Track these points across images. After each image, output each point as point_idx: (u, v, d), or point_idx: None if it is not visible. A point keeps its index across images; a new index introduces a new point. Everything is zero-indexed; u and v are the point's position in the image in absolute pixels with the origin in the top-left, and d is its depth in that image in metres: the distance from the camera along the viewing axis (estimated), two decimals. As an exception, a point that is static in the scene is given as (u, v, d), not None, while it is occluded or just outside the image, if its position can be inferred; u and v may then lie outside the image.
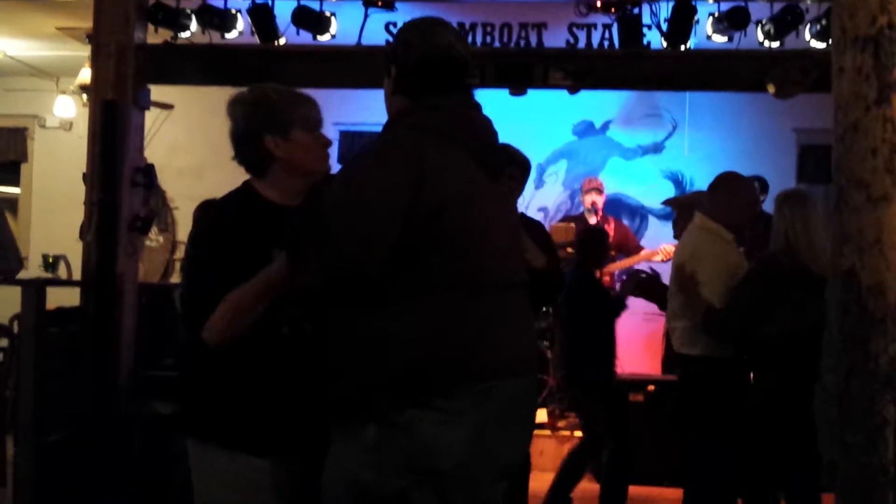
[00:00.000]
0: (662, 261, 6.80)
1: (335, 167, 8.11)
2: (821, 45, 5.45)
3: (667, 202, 6.06)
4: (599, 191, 7.07)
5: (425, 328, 1.98)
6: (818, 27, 5.51)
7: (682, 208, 5.12)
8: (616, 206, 7.94)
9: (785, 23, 5.56)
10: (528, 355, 2.17)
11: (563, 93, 6.30)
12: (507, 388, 2.06)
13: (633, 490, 5.69)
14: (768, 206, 6.55)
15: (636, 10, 5.60)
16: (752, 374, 3.87)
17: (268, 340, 2.15)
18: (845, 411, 2.17)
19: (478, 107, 2.22)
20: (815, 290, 3.38)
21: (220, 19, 5.88)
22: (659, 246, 6.93)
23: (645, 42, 5.78)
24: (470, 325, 2.01)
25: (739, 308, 3.66)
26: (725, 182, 4.09)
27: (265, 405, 2.16)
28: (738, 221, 3.97)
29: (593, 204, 7.06)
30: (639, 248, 6.95)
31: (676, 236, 5.35)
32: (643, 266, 6.34)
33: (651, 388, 6.02)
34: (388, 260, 1.96)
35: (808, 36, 5.65)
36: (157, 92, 6.37)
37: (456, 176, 2.06)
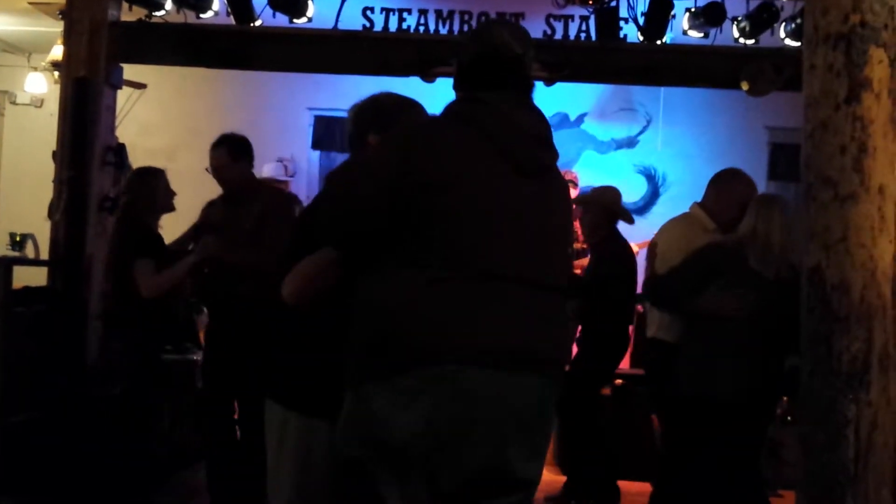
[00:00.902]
0: None
1: (313, 153, 8.02)
2: (795, 44, 5.47)
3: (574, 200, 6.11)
4: (574, 184, 7.06)
5: (393, 301, 2.01)
6: (793, 25, 5.53)
7: (586, 205, 5.20)
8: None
9: (760, 20, 5.58)
10: (526, 352, 2.04)
11: (539, 84, 6.28)
12: (480, 380, 1.98)
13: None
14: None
15: (613, 3, 5.59)
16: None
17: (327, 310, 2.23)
18: (807, 409, 2.17)
19: (527, 104, 2.21)
20: (752, 281, 3.49)
21: (196, -1, 5.81)
22: None
23: (621, 35, 5.78)
24: (439, 306, 1.99)
25: (672, 277, 3.79)
26: (722, 177, 4.26)
27: (319, 368, 2.26)
28: (725, 216, 4.07)
29: (567, 197, 7.05)
30: None
31: (583, 233, 5.41)
32: None
33: (619, 381, 6.03)
34: (376, 230, 2.05)
35: (782, 34, 5.67)
36: (131, 71, 6.29)
37: (459, 162, 2.07)
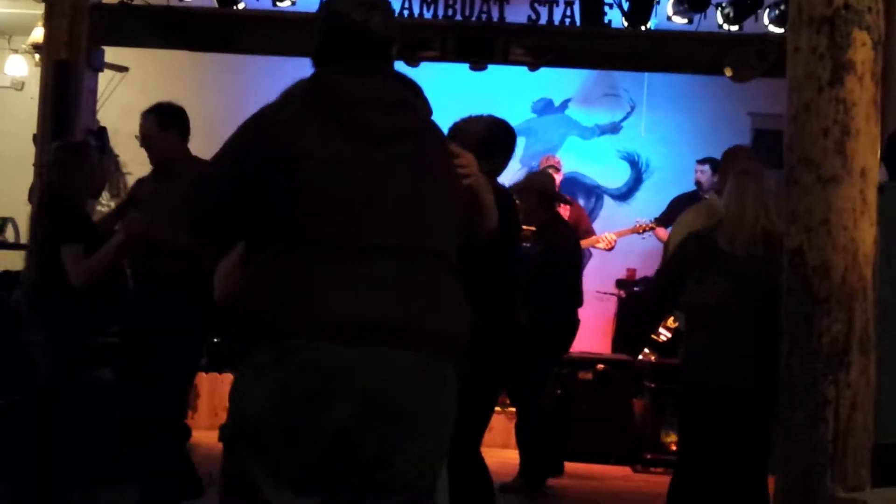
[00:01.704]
0: (606, 248, 6.80)
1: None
2: (779, 30, 5.47)
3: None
4: (557, 169, 7.06)
5: (249, 281, 2.09)
6: (777, 12, 5.54)
7: (520, 192, 5.17)
8: (572, 184, 7.94)
9: (744, 6, 5.58)
10: (377, 324, 1.96)
11: (524, 69, 6.28)
12: (325, 353, 1.94)
13: (581, 467, 5.75)
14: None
15: (598, -12, 5.59)
16: None
17: None
18: (787, 390, 2.18)
19: (376, 71, 2.16)
20: (723, 264, 3.45)
21: (178, -19, 5.76)
22: (603, 234, 6.91)
23: (606, 21, 5.77)
24: (283, 283, 2.01)
25: (658, 277, 3.77)
26: (722, 158, 4.13)
27: None
28: None
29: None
30: (590, 232, 6.93)
31: (523, 221, 5.40)
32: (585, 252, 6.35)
33: (601, 367, 6.05)
34: (223, 212, 2.13)
35: (766, 20, 5.68)
36: (112, 54, 6.23)
37: (299, 139, 2.09)
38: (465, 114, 3.49)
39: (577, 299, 5.32)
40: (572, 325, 5.25)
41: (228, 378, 6.05)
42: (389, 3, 2.32)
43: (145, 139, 4.07)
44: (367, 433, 1.97)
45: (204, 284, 4.40)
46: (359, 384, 1.95)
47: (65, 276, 3.78)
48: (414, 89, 2.19)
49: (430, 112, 2.20)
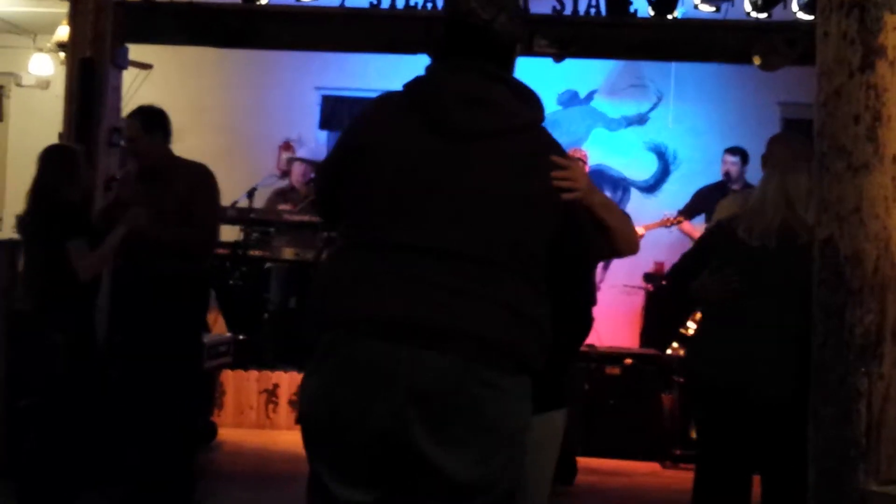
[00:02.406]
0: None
1: (319, 133, 7.93)
2: (808, 17, 5.40)
3: None
4: (583, 162, 7.03)
5: (317, 277, 2.26)
6: (806, -1, 5.46)
7: None
8: (598, 177, 7.89)
9: (772, -7, 5.51)
10: (417, 324, 1.96)
11: (549, 61, 6.24)
12: (369, 349, 1.97)
13: (609, 463, 5.72)
14: (750, 177, 6.55)
15: (623, -22, 5.54)
16: None
17: None
18: (819, 382, 2.15)
19: (480, 69, 2.12)
20: (739, 254, 3.40)
21: (201, -23, 5.78)
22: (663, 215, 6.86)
23: (631, 10, 5.73)
24: (340, 274, 2.07)
25: (674, 268, 3.72)
26: (767, 144, 3.98)
27: None
28: None
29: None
30: None
31: None
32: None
33: (628, 361, 6.02)
34: (331, 198, 2.21)
35: (795, 7, 5.60)
36: (136, 51, 6.27)
37: (380, 129, 2.11)
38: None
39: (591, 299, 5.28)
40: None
41: (254, 375, 6.08)
42: (517, 3, 2.34)
43: (130, 143, 4.18)
44: (409, 432, 1.96)
45: (202, 283, 4.49)
46: (397, 382, 1.95)
47: (72, 273, 3.91)
48: (520, 93, 2.13)
49: (533, 118, 2.14)
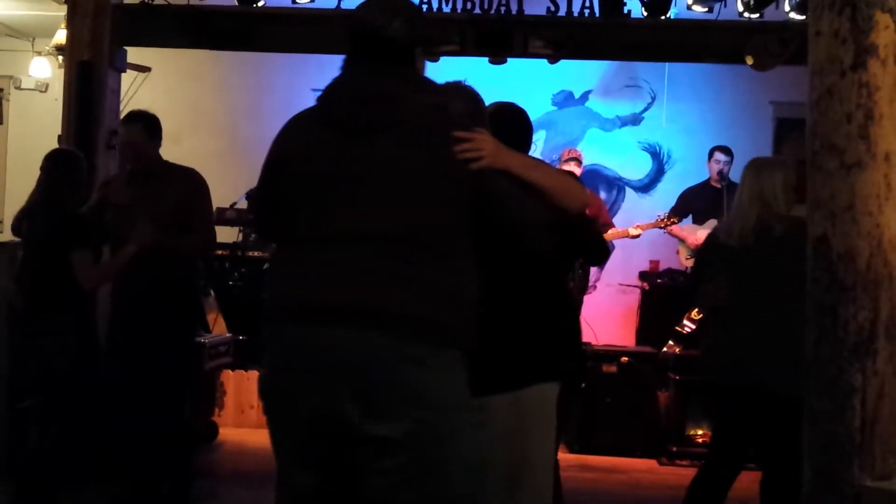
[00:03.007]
0: (633, 237, 6.73)
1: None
2: (800, 17, 5.41)
3: None
4: (578, 161, 7.03)
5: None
6: (798, -1, 5.47)
7: None
8: (593, 177, 7.90)
9: (765, -6, 5.52)
10: (337, 306, 2.07)
11: (544, 62, 6.24)
12: (295, 336, 2.11)
13: (606, 461, 5.72)
14: (734, 175, 6.55)
15: (617, -21, 5.54)
16: None
17: None
18: (813, 378, 2.15)
19: (377, 69, 2.22)
20: (723, 257, 3.45)
21: (198, -20, 5.78)
22: (627, 228, 6.81)
23: (625, 11, 5.73)
24: (273, 273, 2.32)
25: (687, 285, 3.78)
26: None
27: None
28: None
29: (572, 175, 6.99)
30: (609, 225, 6.86)
31: None
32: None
33: (625, 359, 6.02)
34: (271, 221, 2.33)
35: (787, 7, 5.62)
36: (135, 54, 6.26)
37: (292, 138, 2.27)
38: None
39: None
40: None
41: (254, 375, 6.07)
42: (417, 9, 2.43)
43: (130, 146, 4.15)
44: (343, 410, 2.05)
45: (196, 285, 4.49)
46: (326, 363, 2.06)
47: (71, 281, 3.91)
48: (415, 83, 2.23)
49: (431, 102, 2.21)
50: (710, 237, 3.73)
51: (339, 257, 2.11)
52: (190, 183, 4.16)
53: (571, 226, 2.63)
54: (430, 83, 2.30)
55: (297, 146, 2.24)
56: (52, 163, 4.14)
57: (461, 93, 2.67)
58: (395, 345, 2.05)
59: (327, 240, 2.14)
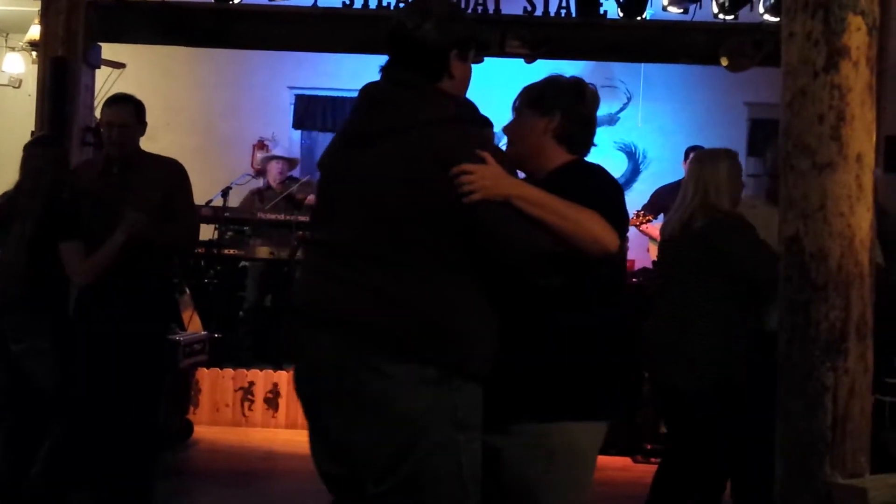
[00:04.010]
0: None
1: (293, 132, 7.83)
2: (774, 19, 5.45)
3: None
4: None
5: None
6: (772, 0, 5.51)
7: None
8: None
9: (739, -4, 5.56)
10: (311, 309, 2.19)
11: (520, 62, 6.25)
12: (299, 333, 2.21)
13: (603, 460, 5.72)
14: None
15: (593, -21, 5.56)
16: None
17: None
18: (785, 377, 2.16)
19: (396, 76, 2.24)
20: (659, 256, 3.53)
21: (174, -24, 5.74)
22: None
23: (601, 12, 5.75)
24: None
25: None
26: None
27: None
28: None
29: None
30: None
31: None
32: None
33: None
34: None
35: (761, 9, 5.66)
36: (109, 51, 6.21)
37: (325, 155, 2.37)
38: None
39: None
40: None
41: (229, 373, 6.04)
42: (451, 7, 2.39)
43: (120, 129, 3.85)
44: (320, 409, 2.19)
45: (171, 281, 4.31)
46: (308, 362, 2.21)
47: (61, 274, 3.68)
48: (425, 94, 2.20)
49: (435, 115, 2.15)
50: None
51: (320, 263, 2.22)
52: (174, 175, 3.96)
53: (587, 265, 2.26)
54: (441, 94, 2.22)
55: (324, 154, 2.37)
56: (39, 150, 3.84)
57: (469, 114, 2.37)
58: (358, 352, 2.10)
59: (318, 245, 2.27)
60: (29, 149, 3.88)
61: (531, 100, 2.46)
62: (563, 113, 2.43)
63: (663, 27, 5.88)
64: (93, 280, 3.72)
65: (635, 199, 7.85)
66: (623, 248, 2.33)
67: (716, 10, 5.72)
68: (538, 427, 2.30)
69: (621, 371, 2.42)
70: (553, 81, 2.52)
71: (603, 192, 2.33)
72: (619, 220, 2.27)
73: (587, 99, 2.49)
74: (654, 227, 6.89)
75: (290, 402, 6.00)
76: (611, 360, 2.37)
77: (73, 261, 3.68)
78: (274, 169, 7.18)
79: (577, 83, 2.50)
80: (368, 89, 2.26)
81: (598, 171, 2.45)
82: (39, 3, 5.74)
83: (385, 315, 2.09)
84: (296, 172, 7.42)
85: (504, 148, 2.44)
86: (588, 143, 2.50)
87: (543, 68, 7.22)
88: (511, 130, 2.46)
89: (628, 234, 2.52)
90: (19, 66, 8.18)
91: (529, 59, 6.06)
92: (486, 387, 2.18)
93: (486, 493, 2.24)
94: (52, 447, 3.75)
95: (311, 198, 7.09)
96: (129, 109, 3.90)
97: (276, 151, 7.49)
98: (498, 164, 2.13)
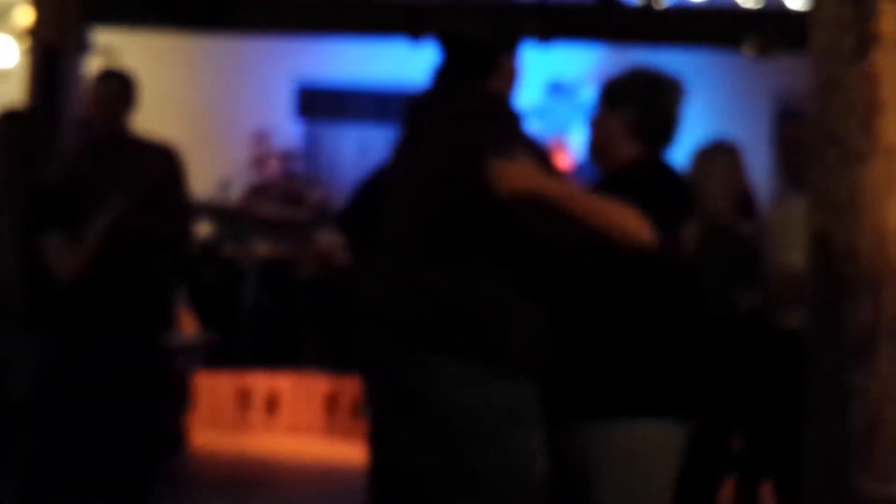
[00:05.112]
0: None
1: (293, 123, 7.81)
2: (799, 4, 5.45)
3: None
4: (565, 152, 7.06)
5: None
6: (799, -15, 5.51)
7: None
8: (585, 169, 7.92)
9: (764, -20, 5.56)
10: (378, 309, 2.31)
11: (536, 51, 6.26)
12: (357, 331, 2.35)
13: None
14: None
15: (611, -38, 5.57)
16: None
17: None
18: (813, 379, 2.17)
19: (437, 80, 2.37)
20: None
21: (170, -41, 5.76)
22: None
23: (619, -2, 5.76)
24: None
25: None
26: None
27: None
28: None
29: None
30: None
31: None
32: None
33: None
34: None
35: (788, -6, 5.65)
36: (102, 38, 6.23)
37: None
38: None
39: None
40: None
41: (228, 376, 6.07)
42: (498, 4, 2.56)
43: (106, 105, 3.71)
44: (379, 403, 2.33)
45: (166, 278, 4.18)
46: (359, 359, 2.36)
47: (45, 271, 3.38)
48: (465, 93, 2.31)
49: (469, 112, 2.26)
50: None
51: (376, 262, 2.35)
52: (167, 161, 3.80)
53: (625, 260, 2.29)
54: (481, 95, 2.32)
55: (387, 161, 2.48)
56: (15, 125, 3.48)
57: (505, 109, 2.44)
58: (405, 350, 2.22)
59: (378, 245, 2.37)
60: (5, 124, 3.48)
61: (605, 94, 2.54)
62: (635, 107, 2.48)
63: (684, 13, 5.88)
64: (78, 275, 3.42)
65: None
66: (684, 247, 2.44)
67: (740, -6, 5.72)
68: (605, 426, 2.33)
69: (694, 368, 2.43)
70: (628, 74, 2.58)
71: (654, 194, 2.36)
72: (665, 219, 2.28)
73: (664, 91, 2.53)
74: None
75: (289, 406, 6.03)
76: (683, 357, 2.41)
77: (57, 255, 3.36)
78: (273, 166, 7.20)
79: (655, 75, 2.56)
80: (417, 94, 2.42)
81: (660, 171, 2.50)
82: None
83: (429, 311, 2.21)
84: (297, 166, 7.44)
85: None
86: (666, 137, 2.54)
87: (558, 58, 7.24)
88: (591, 124, 2.55)
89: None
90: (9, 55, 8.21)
91: (545, 44, 6.02)
92: (552, 383, 2.26)
93: (552, 493, 2.31)
94: (25, 460, 3.56)
95: (317, 195, 7.12)
96: (114, 86, 3.77)
97: (275, 144, 7.50)
98: (530, 158, 2.20)
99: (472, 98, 2.32)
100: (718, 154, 3.51)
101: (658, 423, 2.35)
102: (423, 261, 2.25)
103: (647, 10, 5.66)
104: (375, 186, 2.52)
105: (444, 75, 2.36)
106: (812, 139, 2.17)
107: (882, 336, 2.11)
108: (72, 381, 3.68)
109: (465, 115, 2.27)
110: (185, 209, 3.99)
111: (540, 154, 2.28)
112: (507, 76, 2.36)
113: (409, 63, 7.56)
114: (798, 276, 2.95)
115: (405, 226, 2.30)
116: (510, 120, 2.35)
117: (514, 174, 2.15)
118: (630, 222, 2.20)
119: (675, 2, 6.00)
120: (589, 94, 8.22)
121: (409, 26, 5.56)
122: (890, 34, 2.11)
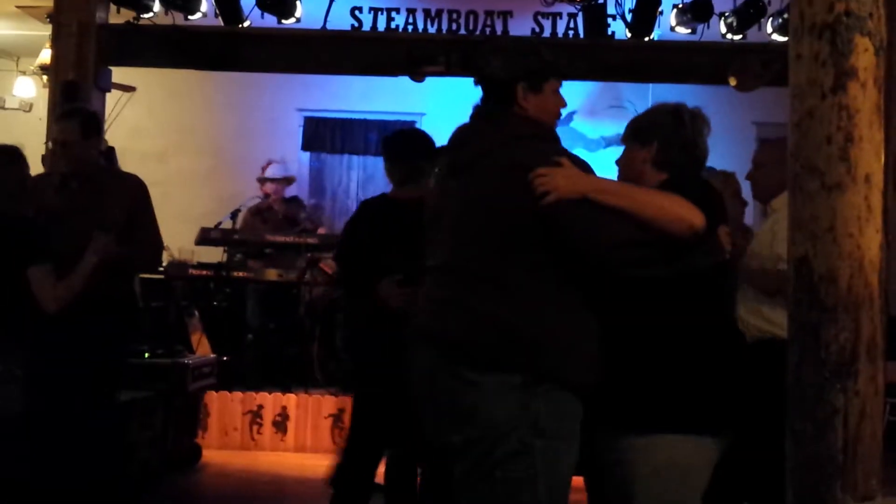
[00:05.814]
0: None
1: (304, 154, 7.79)
2: (782, 39, 5.47)
3: None
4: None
5: None
6: (780, 20, 5.54)
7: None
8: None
9: (747, 16, 5.59)
10: (421, 328, 2.36)
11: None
12: (417, 356, 2.35)
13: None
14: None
15: (601, 0, 5.59)
16: None
17: None
18: (795, 399, 2.15)
19: (477, 114, 2.43)
20: None
21: (184, 0, 5.78)
22: None
23: (609, 32, 5.78)
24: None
25: None
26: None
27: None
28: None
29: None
30: None
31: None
32: None
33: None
34: None
35: (769, 29, 5.68)
36: (120, 74, 6.26)
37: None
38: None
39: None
40: None
41: (238, 397, 6.04)
42: (522, 43, 2.68)
43: (64, 147, 3.70)
44: (425, 415, 2.36)
45: (136, 302, 4.12)
46: (416, 376, 2.36)
47: (31, 300, 3.34)
48: (495, 120, 2.37)
49: (503, 139, 2.31)
50: None
51: (428, 284, 2.40)
52: (136, 191, 3.79)
53: (688, 247, 2.28)
54: (519, 120, 2.36)
55: (431, 191, 2.58)
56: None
57: (544, 133, 2.47)
58: (448, 365, 2.25)
59: (428, 269, 2.41)
60: None
61: (632, 132, 2.60)
62: (659, 141, 2.52)
63: (671, 48, 5.92)
64: (65, 306, 3.41)
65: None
66: (727, 253, 2.41)
67: (724, 30, 5.74)
68: (643, 440, 2.30)
69: (732, 384, 2.38)
70: (651, 111, 2.65)
71: (693, 189, 2.37)
72: (710, 207, 2.29)
73: (685, 123, 2.55)
74: None
75: (298, 426, 6.00)
76: (722, 372, 2.37)
77: (42, 287, 3.33)
78: (269, 188, 7.24)
79: (674, 109, 2.59)
80: (463, 124, 2.45)
81: (690, 181, 2.48)
82: (50, 27, 5.79)
83: (469, 327, 2.23)
84: (303, 194, 7.43)
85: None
86: (690, 166, 2.55)
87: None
88: (619, 162, 2.63)
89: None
90: (30, 90, 8.26)
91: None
92: (592, 397, 2.25)
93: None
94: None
95: (321, 230, 7.13)
96: (72, 125, 3.73)
97: (276, 171, 7.49)
98: (573, 166, 2.25)
99: (510, 124, 2.35)
100: (717, 181, 3.49)
101: (697, 438, 2.32)
102: (463, 280, 2.27)
103: (635, 46, 5.69)
104: (359, 224, 2.62)
105: (478, 108, 2.44)
106: (792, 169, 2.17)
107: (861, 357, 2.10)
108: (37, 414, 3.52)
109: (508, 138, 2.31)
110: (155, 234, 3.89)
111: (582, 165, 2.31)
112: (535, 108, 2.38)
113: (411, 95, 7.61)
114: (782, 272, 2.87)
115: (450, 248, 2.32)
116: (548, 137, 2.41)
117: (564, 180, 2.19)
118: (681, 207, 2.24)
119: (662, 36, 6.03)
120: (580, 125, 8.25)
121: (410, 64, 5.60)
122: (865, 69, 2.12)
